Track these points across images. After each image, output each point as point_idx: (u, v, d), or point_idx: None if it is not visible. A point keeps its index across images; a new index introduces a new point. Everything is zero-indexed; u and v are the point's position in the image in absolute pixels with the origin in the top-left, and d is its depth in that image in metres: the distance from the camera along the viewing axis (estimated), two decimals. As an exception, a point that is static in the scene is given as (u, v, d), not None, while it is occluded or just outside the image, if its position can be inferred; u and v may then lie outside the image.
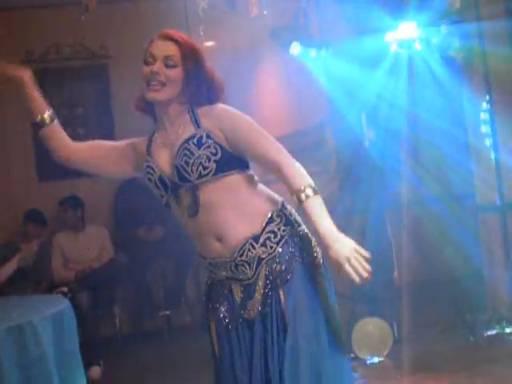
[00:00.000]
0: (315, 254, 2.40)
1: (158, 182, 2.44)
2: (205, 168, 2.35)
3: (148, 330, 6.71)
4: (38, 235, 5.70)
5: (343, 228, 2.27)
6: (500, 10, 5.42)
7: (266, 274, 2.38)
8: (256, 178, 2.48)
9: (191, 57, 2.41)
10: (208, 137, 2.36)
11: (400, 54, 5.82)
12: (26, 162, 6.76)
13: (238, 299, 2.44)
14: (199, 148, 2.36)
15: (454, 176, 6.27)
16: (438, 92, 5.88)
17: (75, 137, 2.65)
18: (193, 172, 2.35)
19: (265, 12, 5.26)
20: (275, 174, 2.36)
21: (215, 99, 2.46)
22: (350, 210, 5.46)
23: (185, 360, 5.55)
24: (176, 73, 2.39)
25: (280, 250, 2.38)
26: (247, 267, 2.40)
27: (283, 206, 2.45)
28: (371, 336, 5.10)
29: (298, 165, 2.34)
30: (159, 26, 2.61)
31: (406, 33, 5.64)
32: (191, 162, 2.35)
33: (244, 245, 2.38)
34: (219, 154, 2.35)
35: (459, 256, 5.82)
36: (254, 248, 2.38)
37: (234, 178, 2.40)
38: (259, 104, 9.81)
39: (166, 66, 2.39)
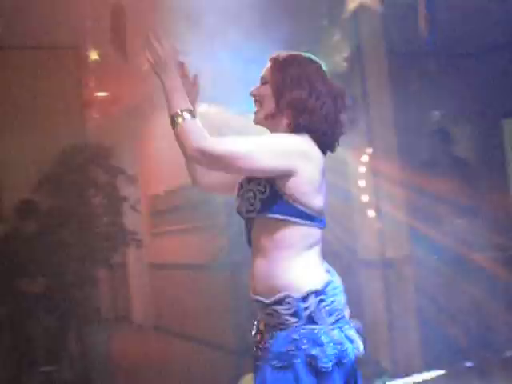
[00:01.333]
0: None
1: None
2: (251, 204, 2.22)
3: (27, 387, 6.43)
4: None
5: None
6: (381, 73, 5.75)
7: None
8: (313, 239, 2.22)
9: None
10: None
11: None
12: None
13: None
14: (249, 182, 2.25)
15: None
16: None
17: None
18: (244, 206, 2.26)
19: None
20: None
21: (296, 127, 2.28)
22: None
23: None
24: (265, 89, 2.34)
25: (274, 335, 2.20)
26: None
27: (306, 297, 2.16)
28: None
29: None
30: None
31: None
32: (241, 195, 2.28)
33: (255, 301, 2.26)
34: (267, 193, 2.18)
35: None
36: (261, 311, 2.26)
37: (279, 227, 2.18)
38: (148, 156, 9.85)
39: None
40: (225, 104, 5.61)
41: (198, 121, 2.20)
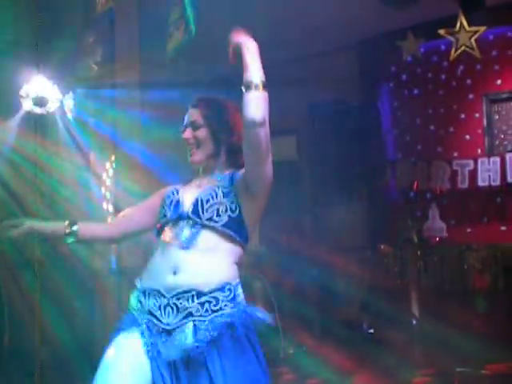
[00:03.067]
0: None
1: (173, 203, 2.61)
2: (218, 215, 2.53)
3: None
4: None
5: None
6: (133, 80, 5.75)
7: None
8: (242, 260, 2.61)
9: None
10: (236, 195, 2.55)
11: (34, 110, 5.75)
12: None
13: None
14: (224, 196, 2.55)
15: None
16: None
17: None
18: (207, 211, 2.53)
19: None
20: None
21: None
22: None
23: None
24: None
25: (214, 319, 2.45)
26: (173, 313, 2.46)
27: (238, 285, 2.56)
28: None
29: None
30: None
31: (41, 91, 5.59)
32: (211, 202, 2.54)
33: (187, 292, 2.45)
34: (236, 213, 2.54)
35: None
36: (193, 301, 2.45)
37: (231, 243, 2.55)
38: None
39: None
40: None
41: None
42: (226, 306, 2.49)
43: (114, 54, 5.69)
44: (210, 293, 2.47)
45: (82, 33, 5.70)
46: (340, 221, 7.56)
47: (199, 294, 2.46)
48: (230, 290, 2.51)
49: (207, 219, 2.53)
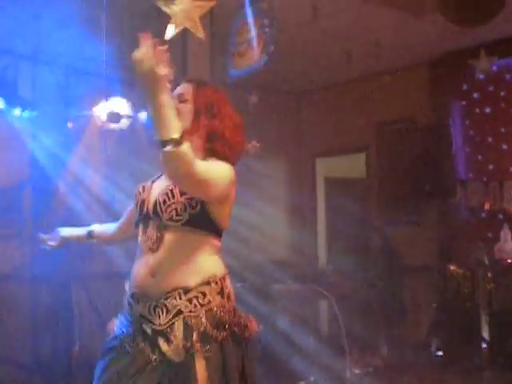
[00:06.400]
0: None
1: (139, 203, 2.59)
2: (178, 214, 2.46)
3: None
4: None
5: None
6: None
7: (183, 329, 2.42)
8: (218, 248, 2.57)
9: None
10: None
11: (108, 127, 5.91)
12: None
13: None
14: (181, 195, 2.47)
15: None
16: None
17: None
18: (166, 212, 2.47)
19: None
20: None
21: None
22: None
23: None
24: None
25: (203, 313, 2.43)
26: (163, 313, 2.43)
27: (225, 278, 2.54)
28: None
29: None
30: None
31: (116, 107, 5.75)
32: (168, 203, 2.48)
33: (172, 291, 2.43)
34: (197, 210, 2.45)
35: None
36: (180, 298, 2.43)
37: (199, 237, 2.49)
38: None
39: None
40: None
41: (187, 145, 2.19)
42: (213, 299, 2.46)
43: (186, 73, 5.79)
44: (197, 288, 2.45)
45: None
46: (408, 240, 7.49)
47: (186, 291, 2.44)
48: (216, 282, 2.49)
49: (167, 219, 2.47)
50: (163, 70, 2.11)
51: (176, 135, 2.12)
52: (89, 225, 3.04)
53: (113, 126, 5.84)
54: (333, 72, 7.64)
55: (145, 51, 2.08)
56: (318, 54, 7.05)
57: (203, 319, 2.42)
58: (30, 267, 6.04)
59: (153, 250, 2.49)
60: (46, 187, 6.19)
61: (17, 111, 5.83)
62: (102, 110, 5.70)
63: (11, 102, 5.76)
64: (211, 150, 2.56)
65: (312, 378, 5.80)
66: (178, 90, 2.61)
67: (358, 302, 6.78)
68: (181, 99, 2.58)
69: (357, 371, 6.18)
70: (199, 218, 2.46)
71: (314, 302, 7.08)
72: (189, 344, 2.37)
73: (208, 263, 2.51)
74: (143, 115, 5.96)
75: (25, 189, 6.53)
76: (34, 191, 6.36)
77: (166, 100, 2.14)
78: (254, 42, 4.75)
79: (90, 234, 3.01)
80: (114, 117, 5.74)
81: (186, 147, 2.15)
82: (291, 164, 8.82)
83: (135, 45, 2.12)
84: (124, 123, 5.80)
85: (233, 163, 2.56)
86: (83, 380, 5.19)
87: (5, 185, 6.91)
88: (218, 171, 2.44)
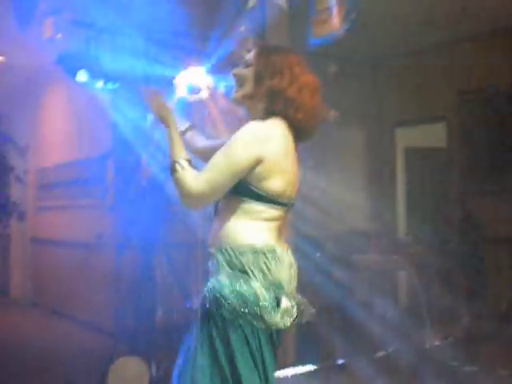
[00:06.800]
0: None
1: None
2: None
3: None
4: None
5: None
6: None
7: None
8: (265, 216, 2.48)
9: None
10: None
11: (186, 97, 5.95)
12: None
13: None
14: None
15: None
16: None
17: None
18: None
19: (58, 35, 5.15)
20: None
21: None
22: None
23: None
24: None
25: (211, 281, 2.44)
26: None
27: (259, 252, 2.42)
28: (127, 374, 5.06)
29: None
30: None
31: (195, 77, 5.78)
32: None
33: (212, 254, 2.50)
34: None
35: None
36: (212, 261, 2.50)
37: (238, 203, 2.47)
38: (41, 128, 9.58)
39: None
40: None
41: (190, 169, 2.47)
42: (223, 267, 2.44)
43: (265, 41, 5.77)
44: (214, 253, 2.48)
45: (234, 21, 5.81)
46: (491, 210, 7.33)
47: (211, 255, 2.51)
48: (229, 254, 2.44)
49: None
50: (167, 111, 2.65)
51: (175, 158, 2.49)
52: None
53: (193, 97, 5.88)
54: (413, 39, 7.48)
55: (155, 104, 2.68)
56: (398, 20, 6.91)
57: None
58: (113, 236, 6.17)
59: (215, 213, 2.59)
60: (128, 159, 6.30)
61: (100, 83, 5.94)
62: (181, 81, 5.74)
63: (94, 74, 5.87)
64: (269, 111, 2.53)
65: (391, 349, 5.79)
66: (245, 57, 2.65)
67: (437, 273, 6.69)
68: (246, 64, 2.62)
69: (436, 342, 6.13)
70: (237, 183, 2.45)
71: (393, 272, 7.04)
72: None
73: (234, 232, 2.46)
74: (222, 85, 5.99)
75: (107, 161, 6.69)
76: (117, 162, 6.49)
77: (173, 131, 2.59)
78: (335, 9, 4.68)
79: (189, 128, 3.12)
80: (194, 88, 5.79)
81: (180, 172, 2.45)
82: (371, 134, 8.74)
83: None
84: (204, 94, 5.84)
85: (304, 126, 2.53)
86: (166, 346, 5.33)
87: (89, 155, 7.10)
88: (226, 154, 2.42)
